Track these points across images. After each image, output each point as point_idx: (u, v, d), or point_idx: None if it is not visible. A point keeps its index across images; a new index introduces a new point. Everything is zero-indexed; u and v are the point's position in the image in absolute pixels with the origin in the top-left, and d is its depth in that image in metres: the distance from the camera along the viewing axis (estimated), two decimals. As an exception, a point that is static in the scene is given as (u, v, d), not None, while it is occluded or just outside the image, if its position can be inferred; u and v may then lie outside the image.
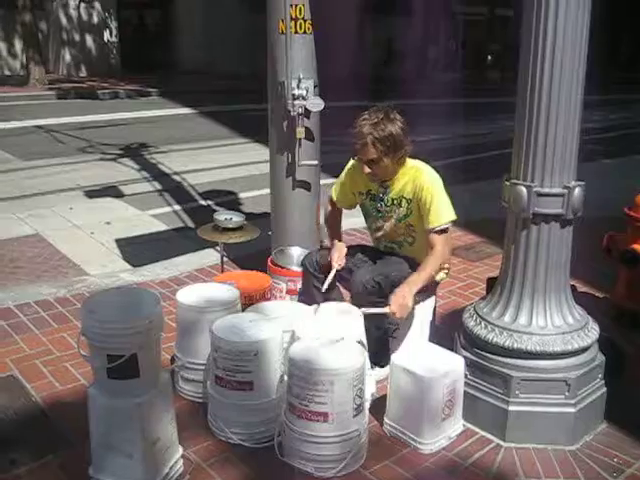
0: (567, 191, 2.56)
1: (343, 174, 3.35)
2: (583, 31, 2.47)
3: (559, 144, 2.54)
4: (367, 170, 3.05)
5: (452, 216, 3.03)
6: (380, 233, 3.29)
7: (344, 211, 3.50)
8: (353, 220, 4.86)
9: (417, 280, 2.97)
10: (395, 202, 3.14)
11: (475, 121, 13.68)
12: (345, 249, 3.27)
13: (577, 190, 2.58)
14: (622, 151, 10.49)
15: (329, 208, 3.49)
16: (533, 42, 2.50)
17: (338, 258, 3.20)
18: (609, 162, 9.50)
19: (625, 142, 12.08)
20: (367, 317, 2.90)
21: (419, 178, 3.05)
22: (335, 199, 3.41)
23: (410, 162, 3.12)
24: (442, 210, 3.01)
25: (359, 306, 2.95)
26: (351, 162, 3.30)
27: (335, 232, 3.47)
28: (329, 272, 3.18)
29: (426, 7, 26.15)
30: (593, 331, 2.76)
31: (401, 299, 2.88)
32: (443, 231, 3.03)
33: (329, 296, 3.21)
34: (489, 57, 29.69)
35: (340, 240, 3.39)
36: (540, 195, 2.58)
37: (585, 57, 2.51)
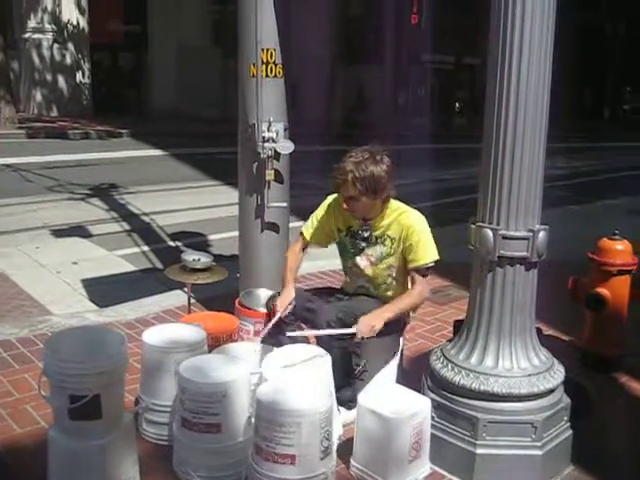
0: (532, 234, 2.61)
1: (320, 209, 3.33)
2: (545, 81, 2.55)
3: (524, 188, 2.60)
4: (345, 206, 3.08)
5: (436, 256, 3.09)
6: (356, 272, 3.28)
7: (316, 254, 3.48)
8: (322, 263, 4.89)
9: (389, 308, 3.02)
10: (379, 240, 3.16)
11: (443, 166, 13.90)
12: (292, 296, 3.21)
13: (541, 233, 2.63)
14: (586, 197, 10.73)
15: (295, 244, 3.44)
16: (497, 90, 2.57)
17: (281, 305, 3.16)
18: (574, 208, 9.70)
19: (589, 189, 12.36)
20: (335, 360, 2.89)
21: (406, 219, 3.11)
22: (307, 234, 3.35)
23: (396, 203, 3.16)
24: (428, 249, 3.07)
25: (325, 344, 2.96)
26: (332, 197, 3.30)
27: (290, 273, 3.35)
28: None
29: (396, 56, 26.80)
30: (559, 373, 2.78)
31: (369, 320, 2.92)
32: (426, 271, 3.09)
33: (294, 339, 3.20)
34: (457, 104, 30.38)
35: (292, 283, 3.30)
36: (505, 238, 2.62)
37: (547, 106, 2.59)
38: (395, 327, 3.24)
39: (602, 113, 39.60)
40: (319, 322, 3.04)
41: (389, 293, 3.23)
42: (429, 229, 3.12)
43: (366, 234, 3.19)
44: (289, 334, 3.04)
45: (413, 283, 3.10)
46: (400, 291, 3.17)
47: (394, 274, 3.19)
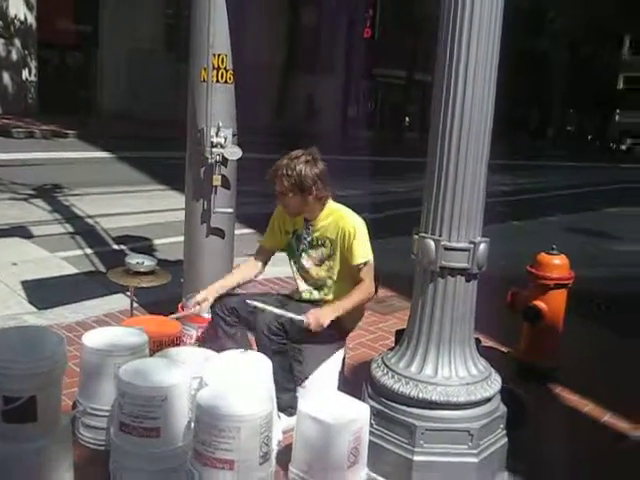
0: (473, 246, 2.68)
1: (274, 213, 3.44)
2: (489, 99, 2.64)
3: (466, 201, 2.66)
4: (278, 200, 3.23)
5: (368, 257, 3.16)
6: (302, 274, 3.35)
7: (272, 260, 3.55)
8: (278, 269, 4.86)
9: (341, 305, 3.11)
10: (319, 242, 3.25)
11: (391, 179, 14.07)
12: (215, 294, 3.30)
13: (482, 245, 2.70)
14: (529, 214, 11.01)
15: (255, 255, 3.52)
16: (443, 106, 2.64)
17: (201, 298, 3.27)
18: (517, 224, 9.94)
19: (532, 205, 12.70)
20: (276, 367, 2.90)
21: (342, 220, 3.19)
22: (264, 240, 3.49)
23: (335, 205, 3.26)
24: (361, 249, 3.15)
25: (265, 347, 3.00)
26: None
27: (229, 277, 3.48)
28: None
29: (348, 68, 27.04)
30: (496, 383, 2.84)
31: (319, 313, 3.01)
32: (368, 266, 3.16)
33: (235, 340, 3.21)
34: (407, 119, 30.81)
35: (220, 284, 3.38)
36: (447, 249, 2.68)
37: (490, 123, 2.67)
38: (337, 335, 3.28)
39: (546, 133, 40.80)
40: (259, 324, 3.08)
41: (330, 297, 3.28)
42: (365, 231, 3.19)
43: (308, 236, 3.29)
44: (249, 302, 3.13)
45: (360, 278, 3.17)
46: (340, 295, 3.21)
47: (334, 277, 3.26)
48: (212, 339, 3.38)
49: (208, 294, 3.30)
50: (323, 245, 3.25)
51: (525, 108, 37.37)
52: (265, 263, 3.52)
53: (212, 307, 3.32)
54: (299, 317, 3.02)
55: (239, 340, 3.25)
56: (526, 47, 29.45)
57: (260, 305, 3.12)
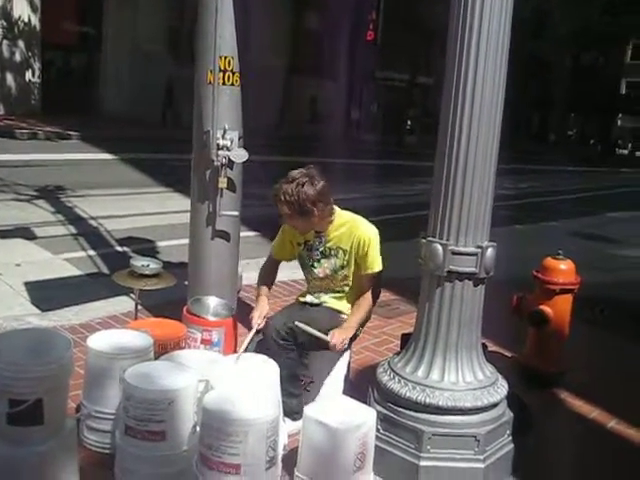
0: (480, 250, 2.67)
1: (284, 226, 3.41)
2: (498, 103, 2.64)
3: (474, 205, 2.66)
4: (285, 224, 3.26)
5: (380, 267, 3.21)
6: (316, 283, 3.36)
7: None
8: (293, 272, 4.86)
9: (356, 320, 3.20)
10: (332, 252, 3.25)
11: (393, 183, 14.07)
12: (267, 309, 3.31)
13: (490, 250, 2.69)
14: (532, 218, 11.00)
15: (266, 261, 3.55)
16: (452, 108, 2.63)
17: (258, 317, 3.23)
18: (520, 228, 9.92)
19: (534, 209, 12.69)
20: (282, 370, 2.89)
21: (358, 229, 3.19)
22: (273, 251, 3.50)
23: (346, 214, 3.26)
24: (378, 257, 3.19)
25: (273, 352, 2.98)
26: None
27: (263, 287, 3.47)
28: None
29: (350, 71, 27.05)
30: (502, 388, 2.84)
31: (344, 335, 3.08)
32: (377, 277, 3.21)
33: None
34: (408, 122, 30.80)
35: (266, 297, 3.40)
36: (454, 253, 2.67)
37: (499, 127, 2.67)
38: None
39: (548, 137, 40.84)
40: (269, 327, 3.10)
41: (343, 300, 3.32)
42: (378, 240, 3.21)
43: (320, 247, 3.27)
44: (298, 324, 3.07)
45: (366, 287, 3.22)
46: (352, 297, 3.27)
47: (350, 283, 3.29)
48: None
49: (263, 310, 3.29)
50: (336, 255, 3.24)
51: (527, 112, 37.40)
52: (277, 271, 3.57)
53: (263, 332, 3.25)
54: (326, 337, 3.07)
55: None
56: (527, 51, 29.47)
57: (305, 328, 3.07)
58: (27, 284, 5.40)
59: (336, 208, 3.27)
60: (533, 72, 32.67)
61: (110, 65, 23.26)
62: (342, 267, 3.24)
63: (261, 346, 3.14)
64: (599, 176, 24.17)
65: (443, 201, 2.69)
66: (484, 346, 2.98)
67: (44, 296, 5.13)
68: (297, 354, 3.11)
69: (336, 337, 3.06)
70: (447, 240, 2.68)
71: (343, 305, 3.30)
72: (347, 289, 3.30)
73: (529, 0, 25.34)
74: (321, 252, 3.28)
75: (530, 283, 4.05)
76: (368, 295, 3.22)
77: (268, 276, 3.53)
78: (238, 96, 3.84)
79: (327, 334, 3.08)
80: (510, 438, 2.89)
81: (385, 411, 2.82)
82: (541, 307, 3.91)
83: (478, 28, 2.54)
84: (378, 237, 3.21)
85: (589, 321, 5.24)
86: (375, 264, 3.19)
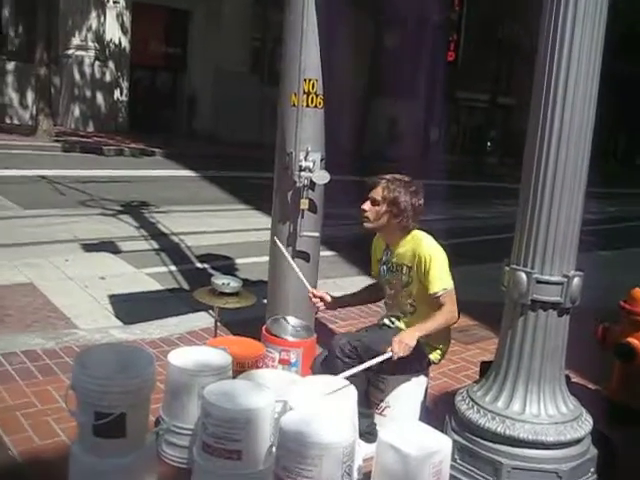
0: (566, 280, 2.59)
1: (373, 243, 3.48)
2: (588, 126, 2.55)
3: (560, 233, 2.58)
4: (363, 205, 3.21)
5: (446, 285, 3.08)
6: (389, 302, 3.37)
7: None
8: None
9: (423, 326, 3.05)
10: (397, 268, 3.24)
11: (472, 205, 13.87)
12: (329, 298, 3.44)
13: (576, 280, 2.61)
14: (617, 244, 10.60)
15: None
16: (540, 132, 2.56)
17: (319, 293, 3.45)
18: (605, 254, 9.58)
19: (620, 235, 12.24)
20: (358, 393, 2.87)
21: (419, 247, 3.15)
22: (371, 270, 3.52)
23: (417, 233, 3.23)
24: (443, 275, 3.08)
25: (337, 370, 2.96)
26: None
27: (356, 290, 3.64)
28: None
29: (430, 91, 26.93)
30: (587, 423, 2.73)
31: (402, 336, 2.98)
32: (448, 293, 3.08)
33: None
34: (488, 143, 30.36)
35: (346, 296, 3.63)
36: (539, 282, 2.59)
37: (589, 151, 2.58)
38: (420, 365, 3.23)
39: (634, 160, 39.49)
40: (332, 345, 3.10)
41: (413, 322, 3.21)
42: (444, 257, 3.12)
43: (387, 261, 3.30)
44: (342, 375, 2.98)
45: (441, 304, 3.08)
46: (420, 321, 3.14)
47: (415, 303, 3.22)
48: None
49: (328, 295, 3.45)
50: (401, 271, 3.22)
51: (613, 133, 36.27)
52: (377, 288, 3.51)
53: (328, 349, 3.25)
54: (385, 356, 2.96)
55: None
56: (612, 70, 28.67)
57: (349, 372, 2.99)
58: (111, 297, 5.58)
59: (416, 231, 3.24)
60: (617, 91, 31.66)
61: (195, 84, 23.94)
62: (407, 284, 3.20)
63: (326, 365, 3.12)
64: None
65: (528, 227, 2.63)
66: (567, 378, 2.88)
67: (127, 309, 5.29)
68: (367, 375, 3.07)
69: (396, 345, 2.94)
70: (532, 268, 2.61)
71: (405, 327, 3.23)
72: (411, 309, 3.23)
73: (622, 19, 24.55)
74: (388, 268, 3.30)
75: (615, 313, 3.90)
76: (442, 310, 3.07)
77: (366, 288, 3.59)
78: (321, 118, 3.88)
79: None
80: (594, 477, 2.77)
81: (462, 440, 2.76)
82: (629, 339, 3.75)
83: (568, 51, 2.47)
84: (443, 255, 3.12)
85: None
86: (436, 283, 3.06)
